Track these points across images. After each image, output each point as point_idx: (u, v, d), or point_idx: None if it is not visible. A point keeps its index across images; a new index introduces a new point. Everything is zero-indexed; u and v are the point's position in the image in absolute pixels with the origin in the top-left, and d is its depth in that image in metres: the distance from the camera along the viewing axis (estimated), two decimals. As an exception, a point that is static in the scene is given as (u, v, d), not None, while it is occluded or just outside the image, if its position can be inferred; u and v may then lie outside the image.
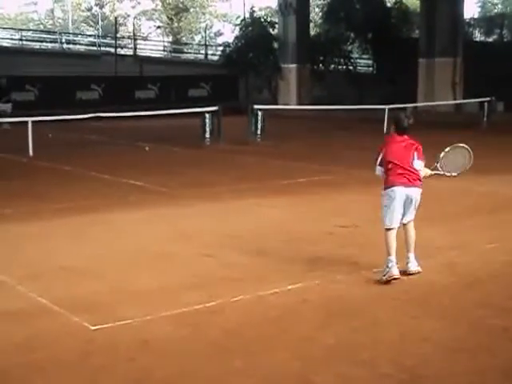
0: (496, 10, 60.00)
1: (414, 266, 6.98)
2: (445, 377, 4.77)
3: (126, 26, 61.16)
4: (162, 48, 52.08)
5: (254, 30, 38.13)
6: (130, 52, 43.37)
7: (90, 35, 59.35)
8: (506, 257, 7.68)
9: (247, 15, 40.54)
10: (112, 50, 41.47)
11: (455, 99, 32.30)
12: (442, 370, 4.85)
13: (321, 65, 38.89)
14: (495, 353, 5.11)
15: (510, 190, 12.17)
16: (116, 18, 48.73)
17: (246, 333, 5.59)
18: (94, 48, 47.00)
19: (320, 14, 42.76)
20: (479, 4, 61.83)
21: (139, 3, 65.94)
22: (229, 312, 6.06)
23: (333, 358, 5.06)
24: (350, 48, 40.76)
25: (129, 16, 65.09)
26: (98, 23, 62.14)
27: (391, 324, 5.72)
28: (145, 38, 56.21)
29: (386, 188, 7.06)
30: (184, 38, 62.83)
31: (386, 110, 24.19)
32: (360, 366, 4.90)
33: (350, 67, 39.75)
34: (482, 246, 8.16)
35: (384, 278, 6.76)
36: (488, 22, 47.12)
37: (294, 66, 37.14)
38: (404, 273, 6.88)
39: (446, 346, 5.25)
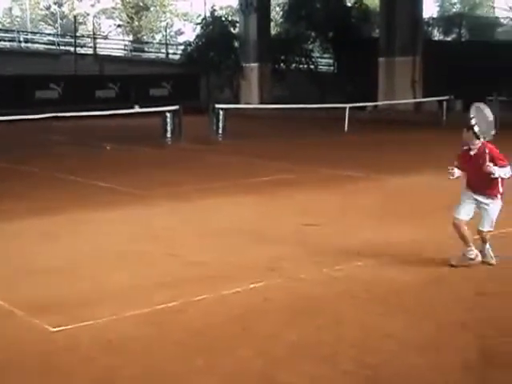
0: (454, 10, 60.75)
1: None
2: (408, 373, 4.80)
3: (85, 24, 60.63)
4: (122, 47, 51.66)
5: (214, 28, 38.08)
6: (90, 51, 42.98)
7: (48, 34, 58.60)
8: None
9: (208, 14, 40.50)
10: (71, 48, 41.08)
11: (415, 98, 32.62)
12: (405, 367, 4.88)
13: (282, 64, 38.98)
14: (460, 349, 5.16)
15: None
16: (75, 16, 48.37)
17: (209, 332, 5.57)
18: (53, 47, 46.39)
19: (281, 12, 42.84)
20: (438, 3, 62.53)
21: (99, 2, 65.35)
22: (192, 311, 6.03)
23: (295, 356, 5.06)
24: (310, 47, 40.92)
25: (88, 15, 64.49)
26: (56, 22, 61.44)
27: (354, 322, 5.74)
28: (105, 37, 55.72)
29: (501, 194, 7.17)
30: (145, 37, 62.45)
31: (347, 109, 24.36)
32: (322, 364, 4.91)
33: (311, 66, 39.91)
34: (447, 243, 8.23)
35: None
36: (447, 21, 47.72)
37: (255, 64, 37.18)
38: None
39: (410, 343, 5.29)
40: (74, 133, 23.50)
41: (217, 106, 22.09)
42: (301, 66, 39.44)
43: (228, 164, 16.03)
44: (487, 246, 7.30)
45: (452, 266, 7.14)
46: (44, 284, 6.85)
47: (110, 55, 43.88)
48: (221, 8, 48.06)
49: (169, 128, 20.52)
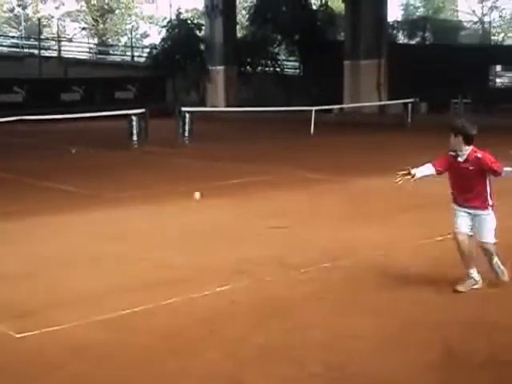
0: (418, 13, 61.36)
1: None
2: (376, 373, 4.83)
3: (50, 27, 59.93)
4: (87, 50, 51.27)
5: (180, 31, 38.00)
6: (55, 54, 42.54)
7: (12, 36, 57.88)
8: (433, 254, 7.84)
9: (174, 17, 40.36)
10: (36, 51, 40.62)
11: (380, 100, 32.92)
12: (373, 367, 4.91)
13: (248, 67, 39.04)
14: (427, 348, 5.20)
15: (436, 187, 12.43)
16: (39, 19, 47.81)
17: (178, 335, 5.55)
18: (17, 49, 45.86)
19: (247, 15, 42.90)
20: (402, 7, 63.14)
21: (63, 4, 64.66)
22: (161, 315, 6.00)
23: (263, 359, 5.06)
24: (276, 50, 41.05)
25: (53, 17, 63.71)
26: (20, 24, 60.70)
27: (321, 323, 5.76)
28: (69, 40, 55.20)
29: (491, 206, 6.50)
30: (110, 40, 62.03)
31: (313, 112, 24.47)
32: (290, 366, 4.92)
33: (277, 69, 40.02)
34: (412, 243, 8.32)
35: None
36: (411, 24, 48.23)
37: (221, 67, 37.19)
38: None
39: (377, 343, 5.32)
40: (39, 136, 23.24)
41: (183, 109, 22.04)
42: (267, 68, 39.54)
43: (194, 167, 15.99)
44: (495, 259, 6.56)
45: (457, 291, 6.41)
46: (7, 289, 6.75)
47: (74, 58, 43.50)
48: (186, 11, 47.92)
49: (135, 131, 20.41)
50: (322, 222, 9.80)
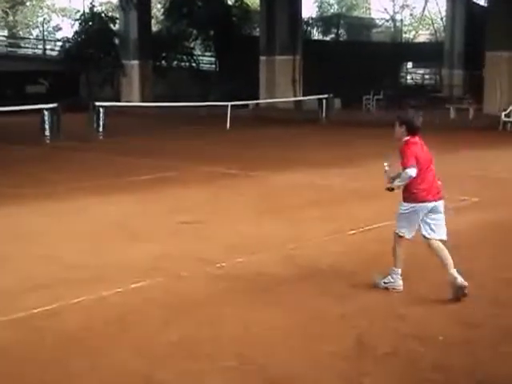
0: (332, 11, 62.28)
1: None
2: (288, 364, 4.89)
3: (-44, 18, 57.98)
4: (-4, 42, 49.84)
5: (94, 25, 37.38)
6: (-37, 46, 41.21)
7: None
8: (342, 248, 7.99)
9: (87, 10, 39.69)
10: None
11: (295, 96, 33.25)
12: (284, 358, 4.97)
13: (163, 61, 38.78)
14: (332, 339, 5.30)
15: (348, 183, 12.70)
16: None
17: (88, 334, 5.45)
18: None
19: (162, 10, 42.59)
20: (317, 4, 63.95)
21: (-29, -5, 62.62)
22: (70, 314, 5.88)
23: (175, 355, 5.04)
24: (192, 45, 40.92)
25: (-41, 8, 61.71)
26: None
27: (235, 318, 5.78)
28: (-22, 32, 53.56)
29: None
30: (21, 32, 60.43)
31: (229, 107, 24.54)
32: (203, 361, 4.92)
33: (193, 64, 39.91)
34: (321, 238, 8.45)
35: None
36: (325, 21, 48.93)
37: (135, 62, 36.79)
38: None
39: (287, 336, 5.39)
40: None
41: (97, 103, 21.72)
42: (182, 63, 39.38)
43: (107, 162, 15.78)
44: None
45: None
46: None
47: (-17, 51, 42.23)
48: (100, 4, 47.20)
49: (47, 126, 19.99)
50: (234, 216, 9.84)
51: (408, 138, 6.27)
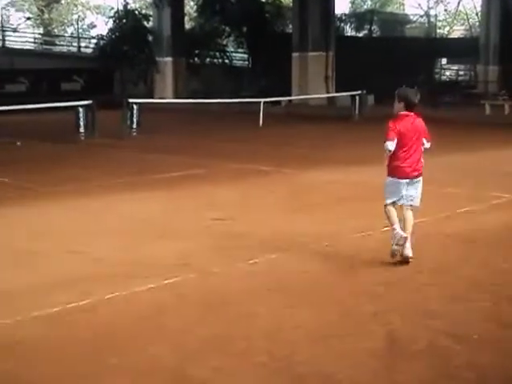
0: (365, 7, 61.86)
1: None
2: (320, 362, 4.88)
3: (-7, 16, 58.69)
4: (32, 40, 50.36)
5: (128, 22, 37.62)
6: (-1, 44, 41.76)
7: (-46, 26, 56.54)
8: (375, 245, 7.93)
9: (121, 7, 39.96)
10: (-21, 41, 39.80)
11: (328, 92, 33.07)
12: (316, 356, 4.96)
13: (196, 58, 38.90)
14: (364, 337, 5.28)
15: (380, 180, 12.59)
16: (-17, 8, 46.75)
17: (121, 330, 5.50)
18: (-40, 40, 44.85)
19: (195, 7, 42.72)
20: (350, 0, 63.54)
21: (7, -7, 63.39)
22: (103, 309, 5.94)
23: (208, 351, 5.06)
24: (225, 42, 40.99)
25: (-4, 7, 62.50)
26: (-37, 14, 59.34)
27: (266, 315, 5.79)
28: (14, 30, 54.16)
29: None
30: (56, 30, 61.04)
31: (262, 103, 24.51)
32: (235, 357, 4.93)
33: (226, 61, 39.98)
34: (354, 235, 8.41)
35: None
36: (358, 17, 48.63)
37: (169, 59, 36.93)
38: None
39: (319, 333, 5.37)
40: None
41: (130, 100, 21.84)
42: (215, 60, 39.46)
43: (139, 160, 15.86)
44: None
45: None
46: None
47: (20, 48, 42.70)
48: (134, 1, 47.52)
49: (82, 123, 20.16)
50: (267, 213, 9.83)
51: (402, 113, 6.85)
